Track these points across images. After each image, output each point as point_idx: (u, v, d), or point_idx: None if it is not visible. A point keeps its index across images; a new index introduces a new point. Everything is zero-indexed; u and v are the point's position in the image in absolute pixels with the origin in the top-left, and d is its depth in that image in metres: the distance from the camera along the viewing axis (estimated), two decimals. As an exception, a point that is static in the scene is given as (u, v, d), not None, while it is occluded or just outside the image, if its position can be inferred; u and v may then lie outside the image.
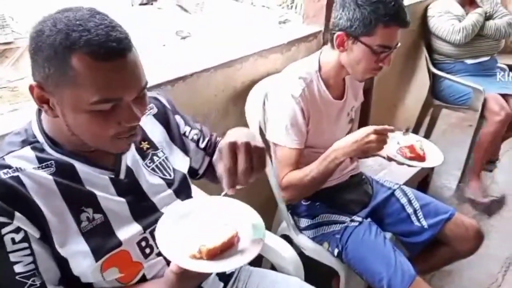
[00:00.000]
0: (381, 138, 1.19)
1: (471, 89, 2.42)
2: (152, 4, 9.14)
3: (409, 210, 1.49)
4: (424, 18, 2.60)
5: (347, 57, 1.26)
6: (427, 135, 3.04)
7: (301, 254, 1.44)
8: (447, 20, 2.48)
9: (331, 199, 1.45)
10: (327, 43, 1.77)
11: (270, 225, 1.69)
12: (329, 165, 1.24)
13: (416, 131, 2.84)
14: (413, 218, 1.48)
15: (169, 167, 0.93)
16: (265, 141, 1.40)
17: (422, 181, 2.24)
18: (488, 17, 2.48)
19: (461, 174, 2.60)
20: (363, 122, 2.22)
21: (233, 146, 0.75)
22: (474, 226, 1.46)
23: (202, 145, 1.03)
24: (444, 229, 1.44)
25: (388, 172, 1.84)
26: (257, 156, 0.75)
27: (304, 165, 1.30)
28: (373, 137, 1.18)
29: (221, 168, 0.76)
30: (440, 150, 1.40)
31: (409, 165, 1.38)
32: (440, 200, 2.44)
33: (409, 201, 1.51)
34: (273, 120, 1.31)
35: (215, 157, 0.97)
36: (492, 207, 2.40)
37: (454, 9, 2.50)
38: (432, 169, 2.19)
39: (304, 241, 1.47)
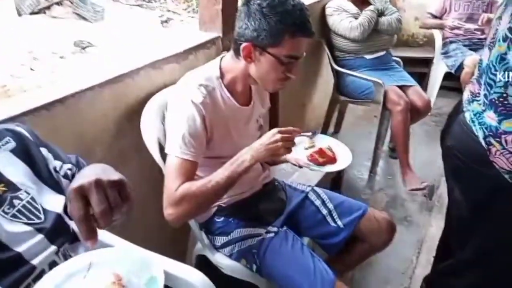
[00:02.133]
0: (287, 139, 1.15)
1: (372, 83, 2.53)
2: (44, 13, 8.43)
3: (324, 211, 1.48)
4: (322, 17, 2.67)
5: (255, 68, 1.21)
6: (336, 130, 3.15)
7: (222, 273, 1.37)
8: (344, 18, 2.57)
9: (245, 212, 1.38)
10: (227, 49, 1.73)
11: (186, 246, 1.58)
12: (237, 169, 1.15)
13: (326, 127, 2.92)
14: (329, 219, 1.47)
15: (37, 209, 0.79)
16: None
17: (336, 176, 2.28)
18: (379, 14, 2.62)
19: (371, 164, 2.70)
20: (273, 126, 2.20)
21: (81, 190, 0.64)
22: (386, 219, 1.49)
23: None
24: (359, 226, 1.45)
25: (301, 174, 1.83)
26: (113, 190, 0.65)
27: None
28: (278, 136, 1.14)
29: (74, 220, 0.64)
30: (349, 143, 1.43)
31: (324, 171, 1.39)
32: (354, 191, 2.57)
33: (323, 202, 1.50)
34: (170, 129, 1.19)
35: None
36: (430, 190, 2.51)
37: (349, 7, 2.60)
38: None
39: (221, 259, 1.38)
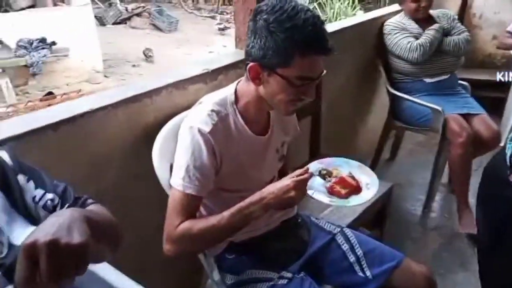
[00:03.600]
0: (301, 185, 1.05)
1: (430, 110, 2.27)
2: (125, 23, 9.03)
3: (352, 258, 1.31)
4: (380, 35, 2.47)
5: (265, 90, 1.09)
6: (392, 157, 2.90)
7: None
8: (404, 37, 2.35)
9: (259, 251, 1.25)
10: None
11: (200, 278, 1.49)
12: (245, 219, 1.07)
13: (378, 153, 2.68)
14: (356, 267, 1.29)
15: (1, 242, 0.73)
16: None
17: (381, 208, 2.03)
18: (445, 33, 2.36)
19: (426, 199, 2.43)
20: (313, 152, 2.05)
21: (32, 249, 0.56)
22: (424, 274, 1.29)
23: None
24: (391, 279, 1.26)
25: (335, 209, 1.66)
26: (70, 257, 0.57)
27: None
28: (292, 185, 1.04)
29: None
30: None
31: (350, 206, 1.27)
32: (404, 227, 2.31)
33: (352, 248, 1.32)
34: (176, 159, 1.11)
35: None
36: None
37: (411, 26, 2.38)
38: (389, 195, 1.98)
39: (229, 300, 1.27)
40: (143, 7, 9.36)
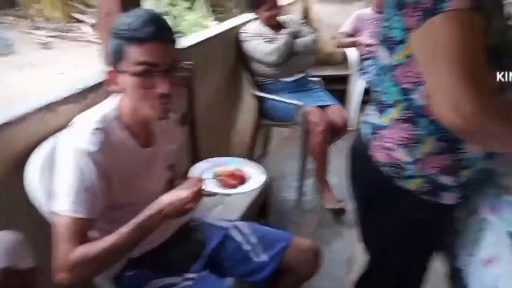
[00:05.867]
0: (197, 194, 1.11)
1: (293, 106, 2.54)
2: None
3: (247, 247, 1.41)
4: (238, 43, 2.66)
5: (124, 95, 1.11)
6: (263, 153, 3.14)
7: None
8: (260, 43, 2.57)
9: (159, 261, 1.27)
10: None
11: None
12: (145, 232, 1.07)
13: (252, 151, 2.88)
14: (252, 254, 1.40)
15: None
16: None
17: (263, 202, 2.21)
18: (295, 36, 2.66)
19: (298, 186, 2.70)
20: (194, 158, 2.12)
21: None
22: (311, 247, 1.46)
23: None
24: (285, 257, 1.40)
25: (224, 207, 1.76)
26: (19, 278, 0.59)
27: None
28: (191, 204, 1.09)
29: None
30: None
31: (240, 192, 1.32)
32: (283, 214, 2.54)
33: (246, 238, 1.43)
34: (59, 184, 1.06)
35: None
36: (341, 212, 2.52)
37: (265, 32, 2.62)
38: (268, 188, 2.16)
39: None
40: (-34, 31, 8.10)
